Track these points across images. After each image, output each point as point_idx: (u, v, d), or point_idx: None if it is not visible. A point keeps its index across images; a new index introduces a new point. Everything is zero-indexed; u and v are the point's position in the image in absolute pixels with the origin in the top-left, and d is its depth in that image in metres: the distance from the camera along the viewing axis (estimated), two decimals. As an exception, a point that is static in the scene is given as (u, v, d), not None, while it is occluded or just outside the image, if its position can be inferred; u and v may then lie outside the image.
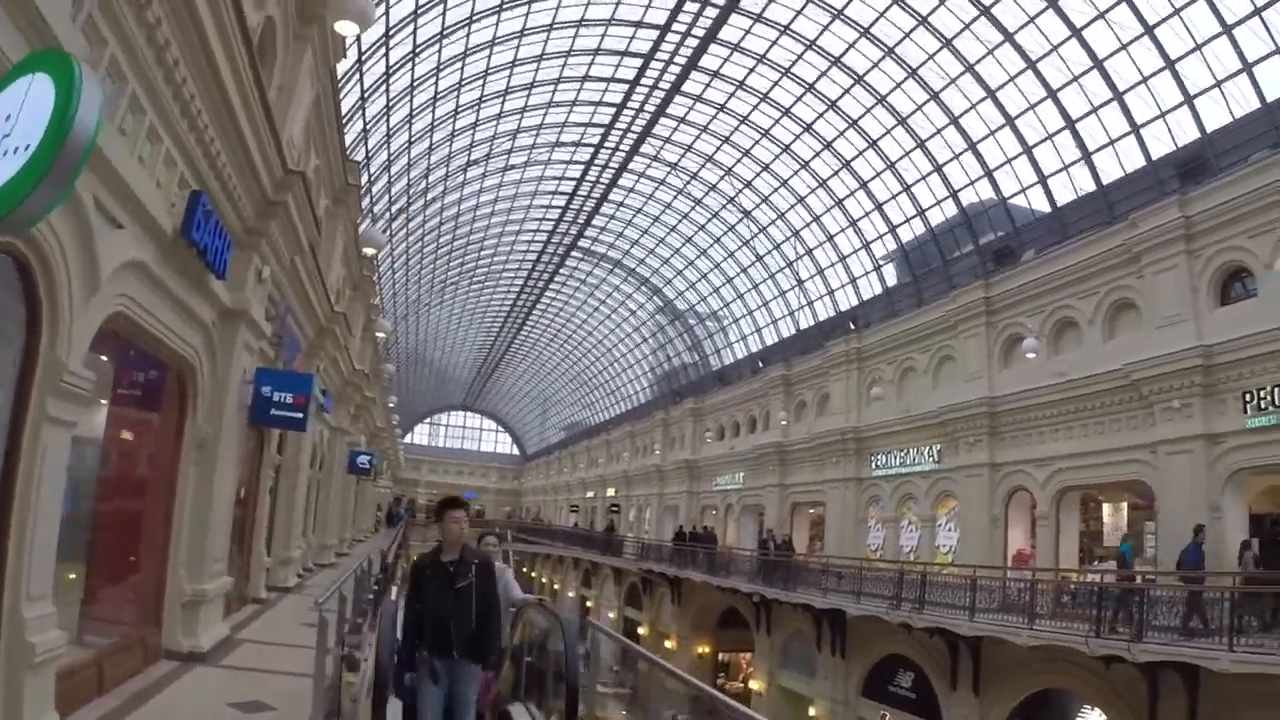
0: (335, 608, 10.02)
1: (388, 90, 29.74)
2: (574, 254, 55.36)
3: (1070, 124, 24.77)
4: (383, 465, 60.13)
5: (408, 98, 31.54)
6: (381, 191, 35.62)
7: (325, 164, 19.87)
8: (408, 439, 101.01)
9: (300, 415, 12.98)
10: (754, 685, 35.20)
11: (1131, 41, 22.32)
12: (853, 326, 34.62)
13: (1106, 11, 22.50)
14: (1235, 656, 14.29)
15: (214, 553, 11.05)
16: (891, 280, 34.87)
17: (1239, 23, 19.81)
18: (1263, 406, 17.58)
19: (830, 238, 37.11)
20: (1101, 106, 23.83)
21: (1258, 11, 19.34)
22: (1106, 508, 23.86)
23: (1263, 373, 17.65)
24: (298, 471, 20.09)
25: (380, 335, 29.99)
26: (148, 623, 9.82)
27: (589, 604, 60.02)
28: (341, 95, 22.76)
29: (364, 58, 26.37)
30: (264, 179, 11.18)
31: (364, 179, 30.67)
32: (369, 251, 21.30)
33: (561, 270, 58.45)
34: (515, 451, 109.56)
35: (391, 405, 51.02)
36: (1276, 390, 17.32)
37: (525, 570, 77.97)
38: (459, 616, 6.56)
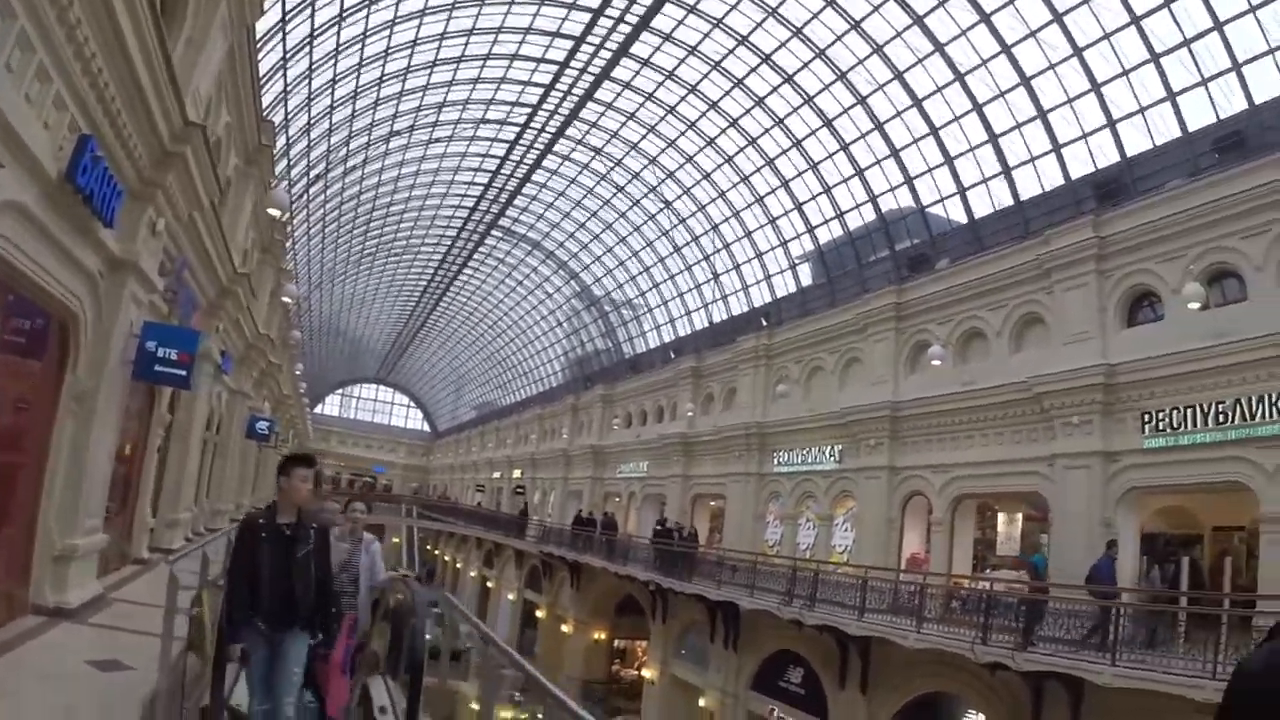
0: (195, 567, 9.74)
1: (311, 53, 28.59)
2: (494, 233, 54.39)
3: (993, 138, 24.74)
4: (289, 434, 58.62)
5: (331, 62, 30.42)
6: (300, 155, 34.35)
7: (238, 122, 18.99)
8: (318, 409, 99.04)
9: (184, 373, 12.31)
10: (647, 673, 34.92)
11: (1060, 62, 22.34)
12: (764, 323, 34.37)
13: (1038, 30, 22.46)
14: (1117, 671, 14.27)
15: (89, 509, 10.56)
16: (806, 280, 34.73)
17: (1167, 52, 19.87)
18: (1160, 428, 17.67)
19: (749, 233, 36.83)
20: (1025, 124, 23.83)
21: (1186, 43, 19.41)
22: (1001, 517, 23.94)
23: (1162, 395, 17.73)
24: (189, 432, 19.18)
25: (287, 300, 28.90)
26: (15, 577, 9.39)
27: (489, 585, 59.47)
28: (262, 55, 21.85)
29: (287, 17, 25.32)
30: (161, 129, 10.61)
31: (282, 142, 29.67)
32: (274, 213, 20.41)
33: (480, 249, 57.36)
34: (426, 428, 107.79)
35: (299, 373, 49.48)
36: (1175, 413, 17.40)
37: (429, 548, 77.31)
38: (300, 585, 6.06)
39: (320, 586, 6.25)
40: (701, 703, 29.96)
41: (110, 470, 11.80)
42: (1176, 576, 16.83)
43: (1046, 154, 23.50)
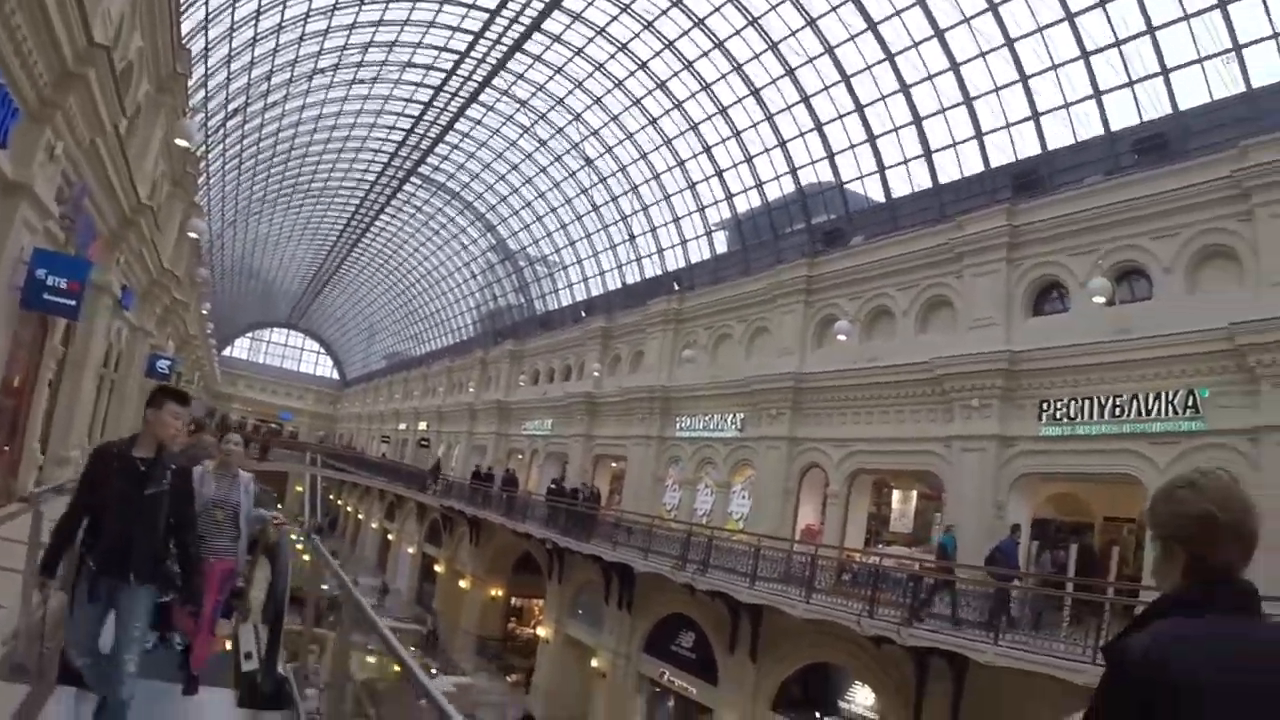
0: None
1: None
2: (413, 180, 52.88)
3: (917, 120, 24.55)
4: (195, 376, 56.84)
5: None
6: (219, 87, 32.66)
7: (151, 47, 18.05)
8: (227, 352, 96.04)
9: (74, 303, 11.86)
10: (542, 632, 34.59)
11: (990, 51, 22.17)
12: (677, 288, 34.00)
13: (972, 18, 22.25)
14: (1000, 650, 14.31)
15: None
16: (722, 248, 34.39)
17: (1097, 51, 19.84)
18: (1057, 417, 17.83)
19: (668, 197, 36.31)
20: (951, 108, 23.69)
21: (1117, 44, 19.40)
22: (896, 494, 24.06)
23: (1061, 385, 17.85)
24: (84, 366, 18.28)
25: (193, 236, 27.67)
26: None
27: (390, 537, 58.67)
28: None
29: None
30: (64, 48, 10.08)
31: (200, 72, 28.33)
32: (181, 144, 19.41)
33: (399, 195, 55.78)
34: (336, 376, 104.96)
35: (206, 313, 47.77)
36: (1073, 403, 17.57)
37: (333, 497, 75.93)
38: (140, 530, 5.25)
39: (176, 535, 5.46)
40: (594, 663, 29.75)
41: None
42: (1066, 562, 16.99)
43: (969, 140, 23.36)
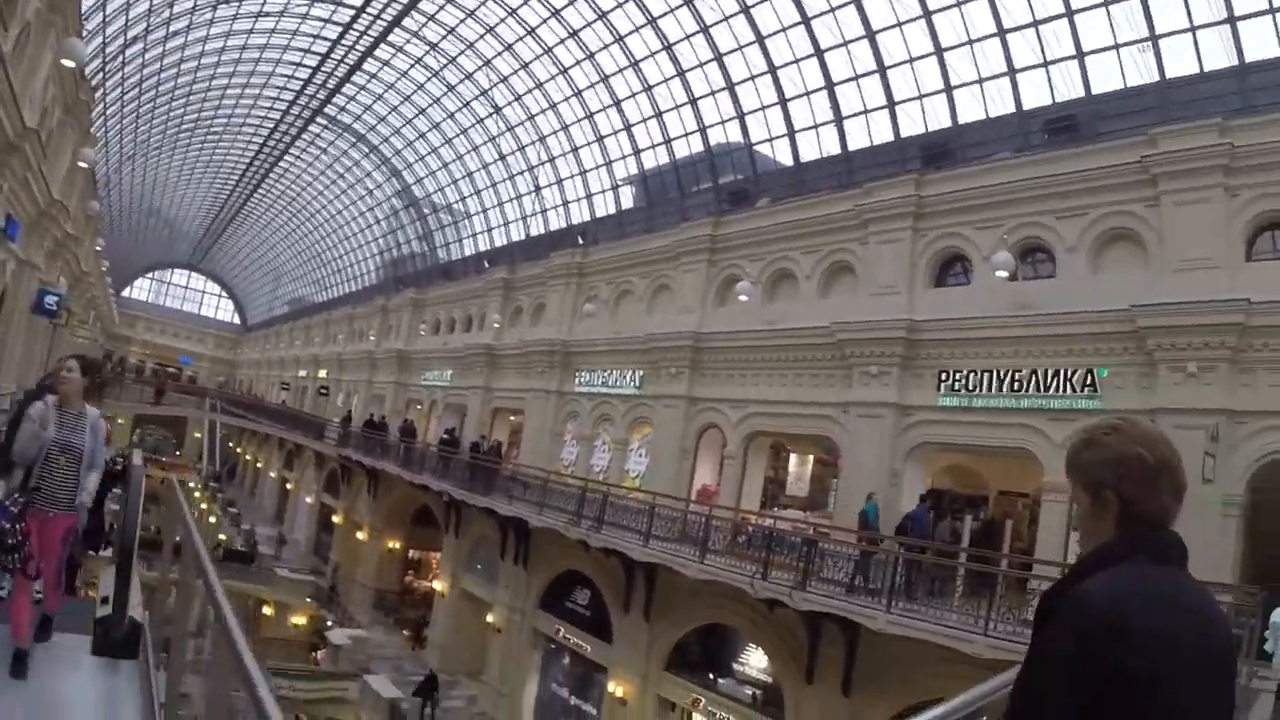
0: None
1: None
2: (318, 120, 50.61)
3: (830, 86, 23.89)
4: (89, 315, 54.27)
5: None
6: (118, 12, 30.41)
7: (41, -39, 16.57)
8: (126, 293, 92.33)
9: None
10: (438, 586, 33.96)
11: (908, 21, 21.57)
12: (580, 241, 33.21)
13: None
14: (891, 617, 14.18)
15: None
16: (627, 203, 33.56)
17: (1015, 29, 19.42)
18: (956, 388, 17.61)
19: (575, 149, 35.22)
20: (864, 76, 23.02)
21: (1035, 24, 19.03)
22: (794, 458, 23.78)
23: (960, 356, 17.63)
24: None
25: (83, 165, 26.04)
26: None
27: (289, 486, 57.25)
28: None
29: None
30: None
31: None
32: (68, 64, 17.98)
33: (303, 136, 53.45)
34: (237, 321, 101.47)
35: (100, 249, 45.37)
36: (971, 375, 17.36)
37: (232, 445, 73.91)
38: None
39: None
40: (489, 618, 29.26)
41: None
42: (961, 532, 16.86)
43: (880, 109, 22.80)
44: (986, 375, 17.08)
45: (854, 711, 16.43)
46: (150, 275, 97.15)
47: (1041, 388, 16.19)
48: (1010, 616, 12.92)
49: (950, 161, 20.05)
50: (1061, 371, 15.96)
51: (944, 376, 17.82)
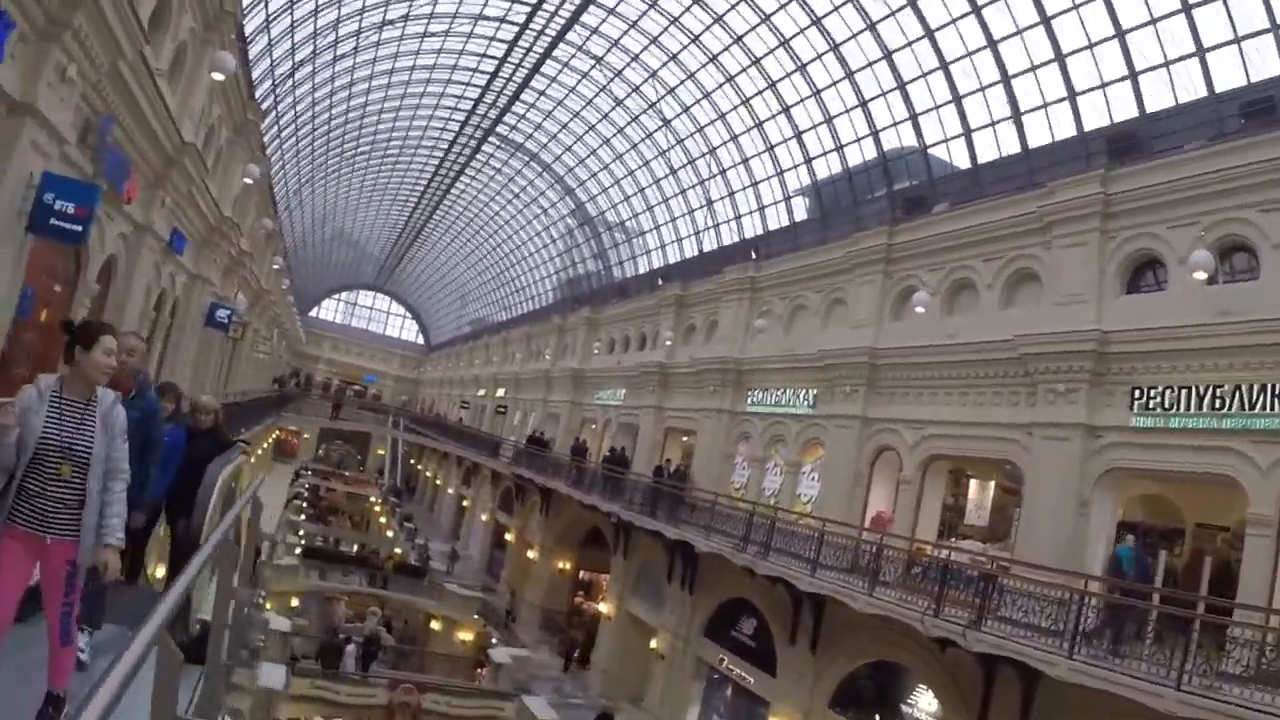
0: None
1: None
2: (491, 140, 52.02)
3: (1005, 79, 22.54)
4: (273, 333, 57.16)
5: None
6: (283, 35, 31.94)
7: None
8: (314, 313, 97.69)
9: (79, 228, 11.72)
10: (604, 608, 33.87)
11: (1084, 3, 19.96)
12: (754, 255, 32.56)
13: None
14: (1074, 665, 12.91)
15: None
16: (800, 214, 32.75)
17: (1202, 3, 17.59)
18: (1150, 406, 15.87)
19: (745, 160, 34.74)
20: (1041, 66, 21.50)
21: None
22: (974, 484, 22.23)
23: (1156, 371, 15.92)
24: (125, 307, 18.11)
25: (248, 181, 27.22)
26: None
27: (465, 503, 58.70)
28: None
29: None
30: None
31: (261, 19, 27.88)
32: (217, 77, 18.72)
33: (477, 156, 55.05)
34: (420, 341, 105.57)
35: (278, 268, 47.60)
36: (1168, 392, 15.60)
37: (413, 461, 76.60)
38: None
39: None
40: (653, 643, 28.92)
41: (2, 327, 11.48)
42: (1155, 570, 15.19)
43: (1060, 101, 21.25)
44: (1184, 392, 15.34)
45: (1027, 766, 15.23)
46: (337, 296, 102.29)
47: (1246, 405, 14.37)
48: (1206, 669, 11.52)
49: (1139, 154, 18.26)
50: (1269, 386, 14.11)
51: (1137, 394, 16.15)
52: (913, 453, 21.62)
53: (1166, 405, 15.58)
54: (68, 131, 12.07)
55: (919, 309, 21.33)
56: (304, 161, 49.28)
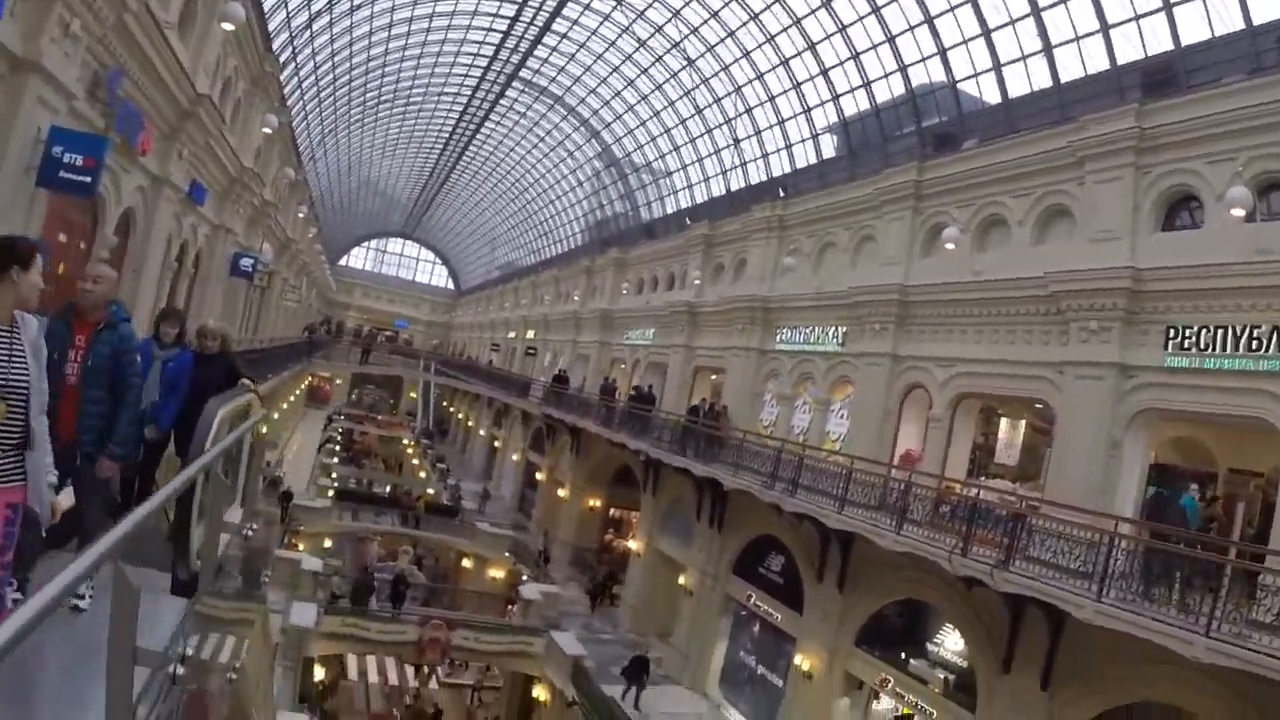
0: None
1: None
2: (515, 84, 51.32)
3: (1036, 11, 21.75)
4: (301, 282, 57.23)
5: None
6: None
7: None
8: (343, 261, 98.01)
9: (89, 179, 11.54)
10: (633, 545, 34.03)
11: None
12: (781, 194, 32.08)
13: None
14: (1100, 607, 12.70)
15: None
16: (828, 152, 32.13)
17: None
18: (1185, 346, 15.42)
19: (772, 98, 34.08)
20: (1072, -3, 20.93)
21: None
22: (1004, 423, 21.97)
23: (1191, 310, 15.47)
24: (144, 259, 18.15)
25: (267, 131, 27.00)
26: None
27: (497, 444, 59.05)
28: None
29: None
30: None
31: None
32: (227, 27, 18.41)
33: (502, 101, 54.40)
34: (450, 286, 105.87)
35: (303, 216, 47.44)
36: (1203, 332, 15.15)
37: (445, 404, 77.08)
38: None
39: None
40: (681, 580, 29.05)
41: None
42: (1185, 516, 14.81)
43: (1093, 34, 20.44)
44: (1220, 332, 14.88)
45: (1052, 708, 15.15)
46: (366, 244, 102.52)
47: (1282, 347, 14.02)
48: (1236, 616, 11.31)
49: (1174, 88, 17.54)
50: (1308, 327, 13.73)
51: (1172, 333, 15.71)
52: (942, 390, 21.34)
53: (1202, 345, 15.16)
54: (75, 86, 11.99)
55: (949, 246, 20.91)
56: (326, 112, 48.77)
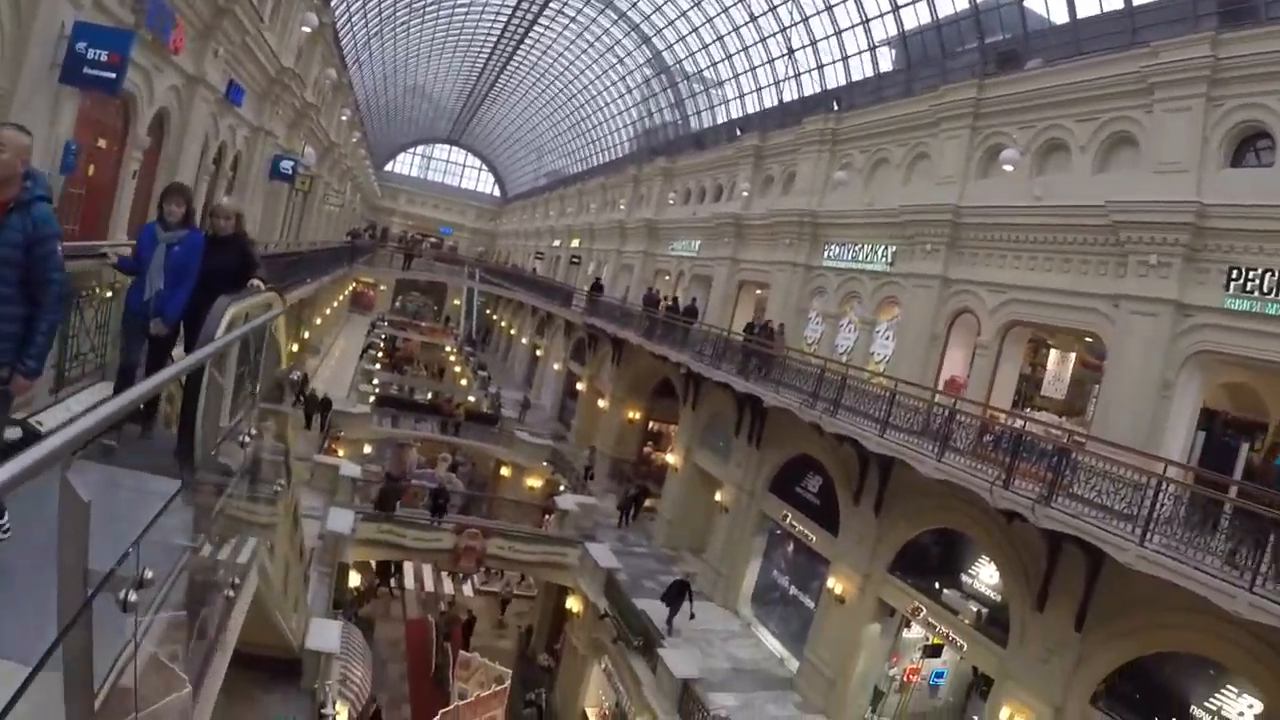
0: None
1: None
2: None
3: (1111, -77, 20.84)
4: (345, 186, 56.99)
5: None
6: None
7: None
8: (389, 167, 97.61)
9: (113, 75, 11.32)
10: (671, 459, 34.07)
11: None
12: (835, 106, 31.23)
13: None
14: (1143, 551, 12.41)
15: None
16: (885, 65, 31.06)
17: None
18: (1247, 288, 14.83)
19: (829, 8, 32.88)
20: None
21: None
22: (1053, 355, 21.44)
23: (1256, 252, 14.83)
24: (179, 160, 18.02)
25: (306, 30, 26.57)
26: None
27: (538, 353, 59.22)
28: None
29: None
30: None
31: None
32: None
33: (551, 4, 53.41)
34: (496, 193, 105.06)
35: (346, 119, 46.97)
36: (1267, 275, 14.55)
37: (489, 312, 77.22)
38: None
39: None
40: (718, 496, 29.08)
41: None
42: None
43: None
44: (1285, 276, 14.37)
45: (1083, 650, 15.03)
46: (412, 150, 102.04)
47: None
48: (1280, 572, 10.99)
49: (1252, 19, 16.55)
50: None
51: (1234, 274, 15.09)
52: (992, 317, 20.89)
53: (1265, 289, 14.58)
54: None
55: (1007, 167, 20.30)
56: (371, 13, 48.00)
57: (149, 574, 2.63)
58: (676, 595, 23.63)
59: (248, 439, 5.66)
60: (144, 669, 3.14)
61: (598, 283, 43.54)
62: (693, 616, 23.85)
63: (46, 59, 10.65)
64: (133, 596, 2.55)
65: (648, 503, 34.45)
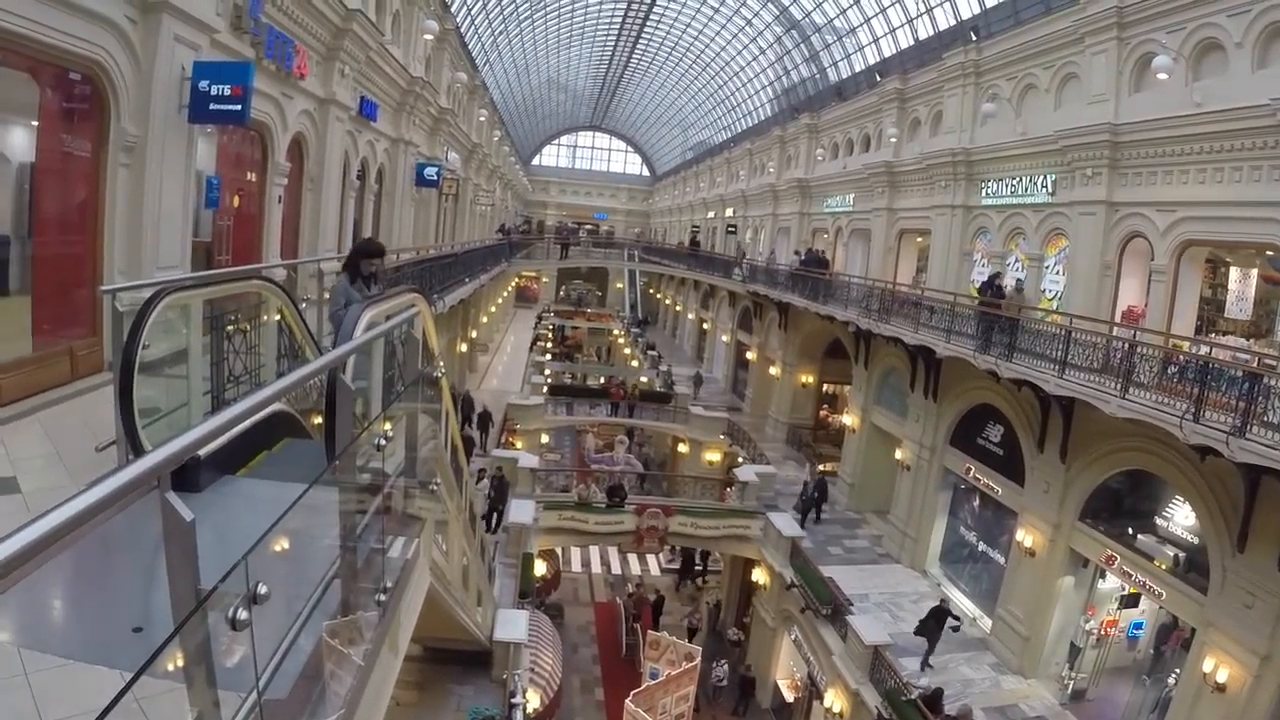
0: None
1: None
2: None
3: None
4: (495, 186, 58.25)
5: None
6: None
7: None
8: (536, 161, 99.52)
9: (239, 107, 11.79)
10: (848, 420, 33.59)
11: None
12: (974, 37, 29.93)
13: None
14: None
15: (159, 258, 10.94)
16: (1021, -15, 29.71)
17: None
18: None
19: (956, -67, 31.73)
20: None
21: None
22: (1234, 273, 19.82)
23: None
24: (323, 179, 18.92)
25: (428, 38, 27.24)
26: (88, 334, 10.06)
27: (706, 327, 59.41)
28: None
29: None
30: None
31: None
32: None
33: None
34: (645, 172, 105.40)
35: (484, 119, 47.86)
36: None
37: (651, 291, 77.88)
38: None
39: None
40: (898, 455, 28.54)
41: (187, 218, 12.02)
42: None
43: None
44: None
45: (1293, 594, 14.06)
46: (557, 142, 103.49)
47: None
48: None
49: None
50: None
51: None
52: (1164, 239, 19.63)
53: None
54: (213, 20, 12.18)
55: (1161, 75, 18.84)
56: (493, 14, 48.84)
57: (263, 589, 2.64)
58: (937, 625, 20.82)
59: (388, 440, 5.80)
60: (304, 672, 3.34)
61: (695, 237, 43.03)
62: (957, 629, 21.77)
63: (173, 103, 11.11)
64: (243, 614, 2.54)
65: (829, 466, 34.12)
